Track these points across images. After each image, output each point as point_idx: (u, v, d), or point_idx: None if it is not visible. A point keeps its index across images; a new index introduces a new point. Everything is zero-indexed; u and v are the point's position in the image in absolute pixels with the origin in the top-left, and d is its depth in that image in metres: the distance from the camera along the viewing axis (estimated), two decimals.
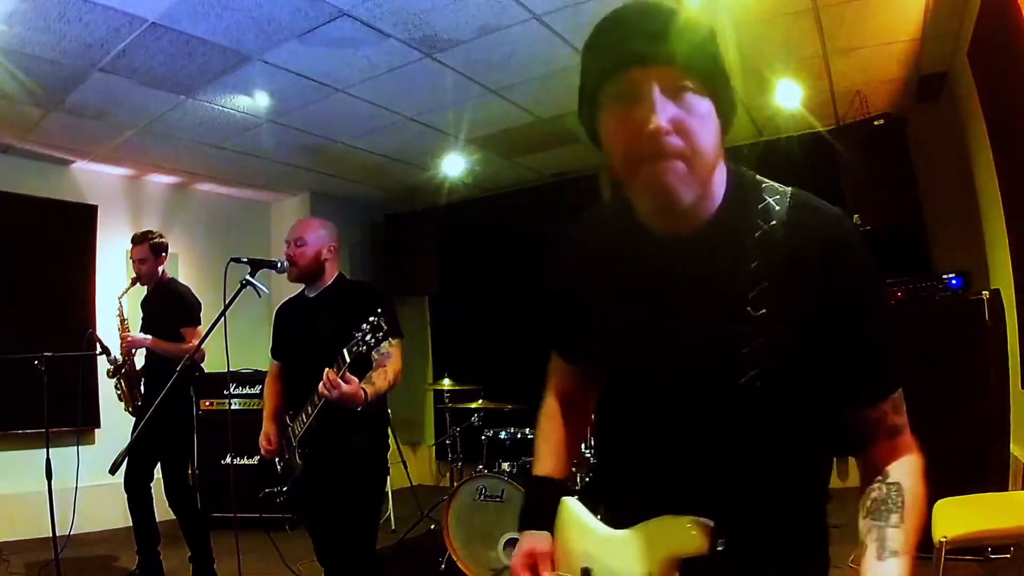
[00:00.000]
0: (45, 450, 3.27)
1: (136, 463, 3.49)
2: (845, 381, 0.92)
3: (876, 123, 4.24)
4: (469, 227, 6.47)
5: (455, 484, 3.71)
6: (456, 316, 6.62)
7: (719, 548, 0.89)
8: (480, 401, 4.25)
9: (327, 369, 2.24)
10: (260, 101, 4.18)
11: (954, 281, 3.38)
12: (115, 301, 3.87)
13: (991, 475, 2.97)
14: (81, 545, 4.18)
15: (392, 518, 4.94)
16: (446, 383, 4.59)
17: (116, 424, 4.48)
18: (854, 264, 0.91)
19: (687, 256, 0.93)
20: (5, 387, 4.34)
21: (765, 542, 0.93)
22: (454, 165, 5.60)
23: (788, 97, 4.34)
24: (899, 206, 4.24)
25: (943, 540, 2.09)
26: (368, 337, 2.22)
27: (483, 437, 4.01)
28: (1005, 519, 2.18)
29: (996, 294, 3.26)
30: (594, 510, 1.07)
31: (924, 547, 2.26)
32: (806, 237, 0.89)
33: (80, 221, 5.12)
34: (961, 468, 2.27)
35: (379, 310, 2.26)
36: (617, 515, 1.02)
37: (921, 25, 3.57)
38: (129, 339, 3.68)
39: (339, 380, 2.23)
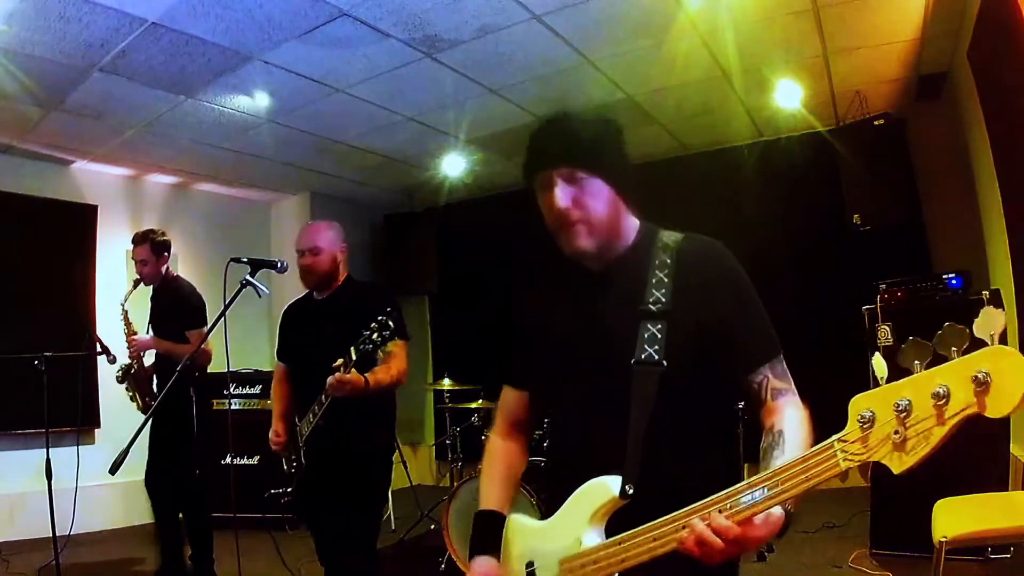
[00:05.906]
0: (45, 450, 3.27)
1: (152, 463, 3.54)
2: (729, 349, 1.18)
3: (876, 123, 4.25)
4: (469, 227, 6.46)
5: (455, 484, 3.71)
6: (456, 316, 6.62)
7: (629, 492, 1.09)
8: (480, 401, 4.25)
9: (335, 367, 2.28)
10: (260, 101, 4.18)
11: (954, 281, 3.37)
12: (119, 306, 3.79)
13: (991, 475, 2.96)
14: (81, 545, 4.17)
15: (392, 518, 4.94)
16: (446, 383, 4.59)
17: (116, 424, 4.49)
18: (727, 268, 1.24)
19: (607, 279, 1.28)
20: (5, 387, 4.34)
21: (669, 482, 1.10)
22: (454, 165, 5.60)
23: (788, 97, 4.34)
24: (899, 206, 4.24)
25: (943, 540, 2.09)
26: (375, 336, 2.21)
27: (483, 437, 4.00)
28: (1005, 519, 2.18)
29: (996, 294, 3.25)
30: (549, 505, 1.26)
31: (924, 547, 2.29)
32: (692, 254, 1.25)
33: (80, 221, 5.12)
34: (961, 468, 2.27)
35: (388, 309, 2.26)
36: (559, 499, 1.21)
37: (921, 25, 3.57)
38: (134, 342, 3.66)
39: (346, 376, 2.26)
